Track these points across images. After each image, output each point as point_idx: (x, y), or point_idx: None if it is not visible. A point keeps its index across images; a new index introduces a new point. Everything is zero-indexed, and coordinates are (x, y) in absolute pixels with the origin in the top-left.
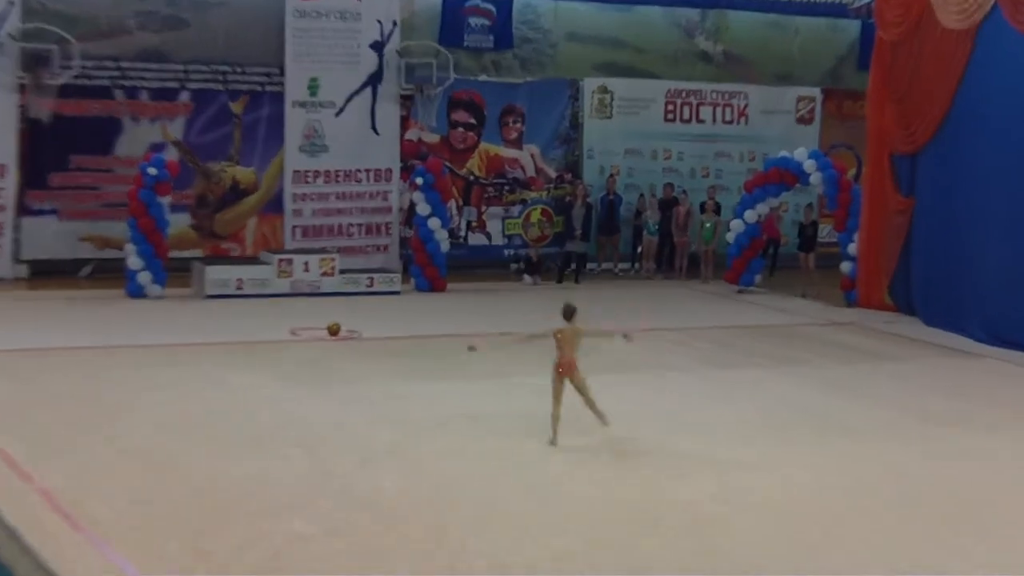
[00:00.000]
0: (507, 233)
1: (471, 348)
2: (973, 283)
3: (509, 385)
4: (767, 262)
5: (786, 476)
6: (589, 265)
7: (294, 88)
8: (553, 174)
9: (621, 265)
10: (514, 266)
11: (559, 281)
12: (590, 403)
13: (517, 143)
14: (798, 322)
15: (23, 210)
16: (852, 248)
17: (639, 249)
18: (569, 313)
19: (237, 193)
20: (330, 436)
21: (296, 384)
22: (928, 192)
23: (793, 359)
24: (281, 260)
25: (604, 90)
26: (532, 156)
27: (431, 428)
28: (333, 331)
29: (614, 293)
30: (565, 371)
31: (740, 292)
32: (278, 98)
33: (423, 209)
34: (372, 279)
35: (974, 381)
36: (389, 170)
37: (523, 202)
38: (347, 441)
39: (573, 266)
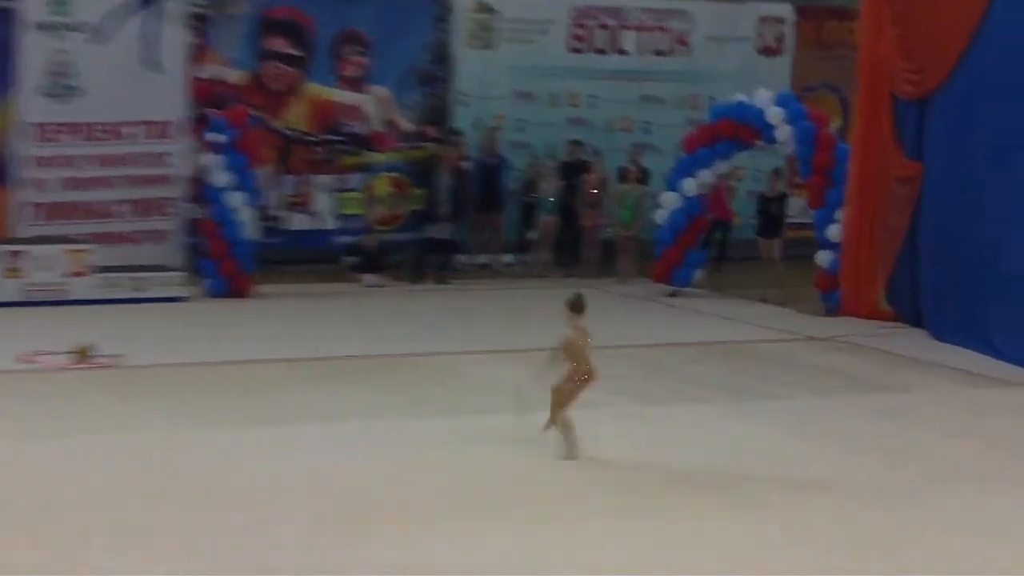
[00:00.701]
0: (343, 213)
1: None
2: (1004, 282)
3: (347, 434)
4: (713, 252)
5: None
6: (460, 257)
7: (33, 3)
8: (410, 128)
9: (505, 257)
10: (349, 260)
11: (415, 280)
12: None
13: (358, 84)
14: (756, 337)
15: None
16: (834, 232)
17: (531, 234)
18: (580, 305)
19: None
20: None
21: (25, 435)
22: (943, 154)
23: (748, 390)
24: (9, 254)
25: (483, 8)
26: (380, 102)
27: (223, 503)
28: (81, 356)
29: (493, 298)
30: (591, 379)
31: (674, 295)
32: (6, 17)
33: (221, 179)
34: (144, 280)
35: (1006, 420)
36: (170, 123)
37: (366, 168)
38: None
39: (436, 259)
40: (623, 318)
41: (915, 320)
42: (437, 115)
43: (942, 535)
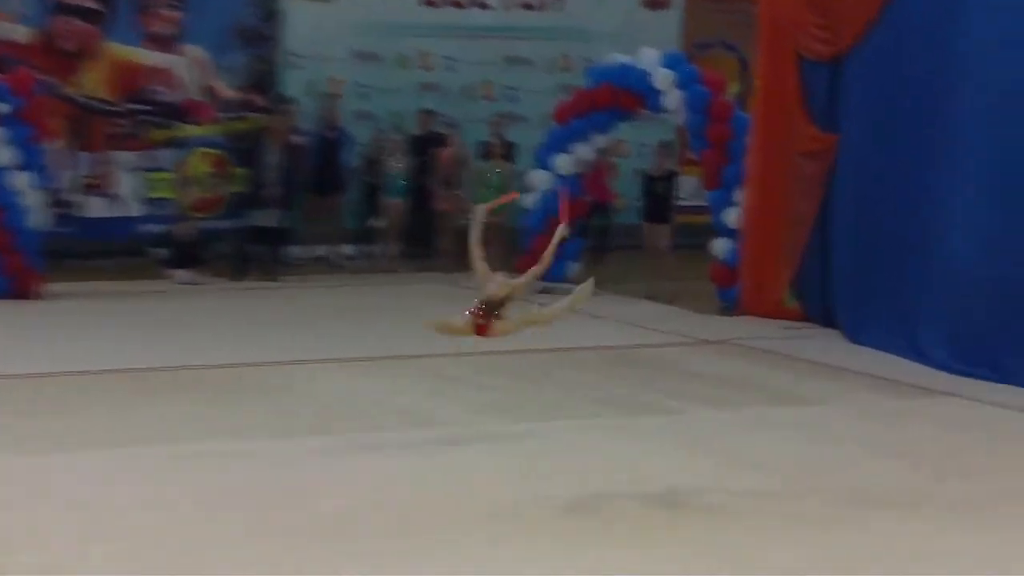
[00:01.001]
0: (150, 197)
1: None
2: (931, 275)
3: (142, 462)
4: (591, 241)
5: None
6: (291, 249)
7: None
8: (231, 96)
9: (346, 248)
10: (159, 253)
11: (238, 277)
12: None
13: (169, 43)
14: (642, 341)
15: None
16: (732, 217)
17: (376, 221)
18: None
19: None
20: None
21: None
22: (860, 125)
23: (634, 403)
24: None
25: None
26: (195, 65)
27: None
28: None
29: (331, 296)
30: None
31: (546, 291)
32: None
33: (2, 156)
34: None
35: (932, 435)
36: None
37: (178, 144)
38: None
39: (263, 252)
40: None
41: (826, 320)
42: (264, 80)
43: (860, 569)
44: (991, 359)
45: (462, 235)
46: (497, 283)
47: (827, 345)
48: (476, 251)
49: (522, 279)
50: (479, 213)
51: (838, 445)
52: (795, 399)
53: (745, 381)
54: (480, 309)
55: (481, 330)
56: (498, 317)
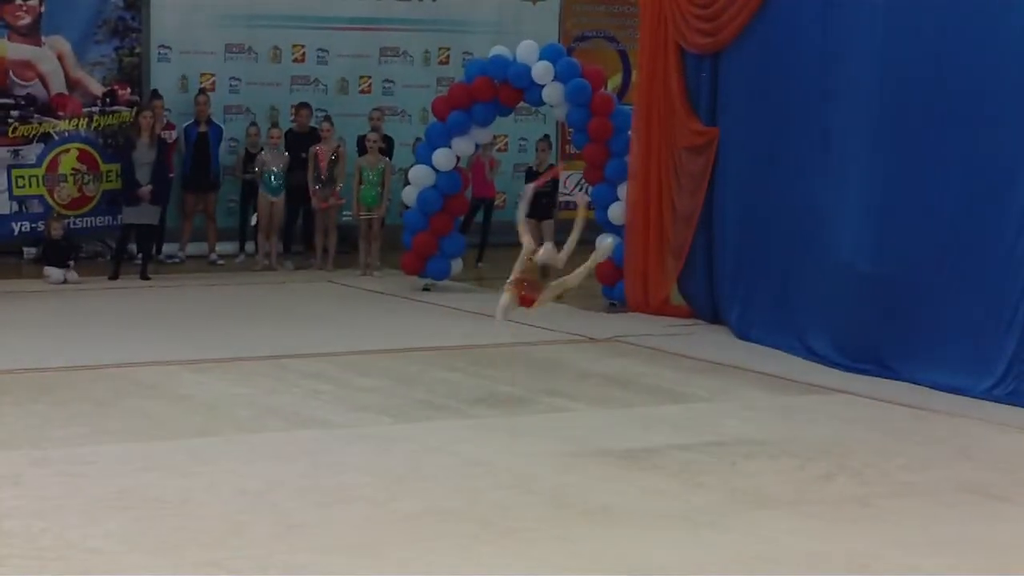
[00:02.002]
0: (16, 194)
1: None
2: (819, 273)
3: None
4: (474, 238)
5: None
6: (167, 248)
7: None
8: (99, 89)
9: (221, 247)
10: (29, 252)
11: (114, 276)
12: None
13: (32, 34)
14: (527, 339)
15: None
16: (616, 212)
17: (252, 219)
18: None
19: None
20: None
21: None
22: (743, 118)
23: (517, 402)
24: None
25: None
26: (59, 57)
27: None
28: None
29: (207, 296)
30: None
31: (427, 289)
32: None
33: None
34: None
35: (819, 432)
36: None
37: (44, 139)
38: None
39: (137, 252)
40: (367, 318)
41: (713, 317)
42: (132, 74)
43: (748, 568)
44: (877, 356)
45: (341, 232)
46: (547, 252)
47: (714, 342)
48: (522, 227)
49: (564, 251)
50: (527, 191)
51: (725, 443)
52: (682, 397)
53: (632, 379)
54: (524, 281)
55: (526, 301)
56: (539, 289)
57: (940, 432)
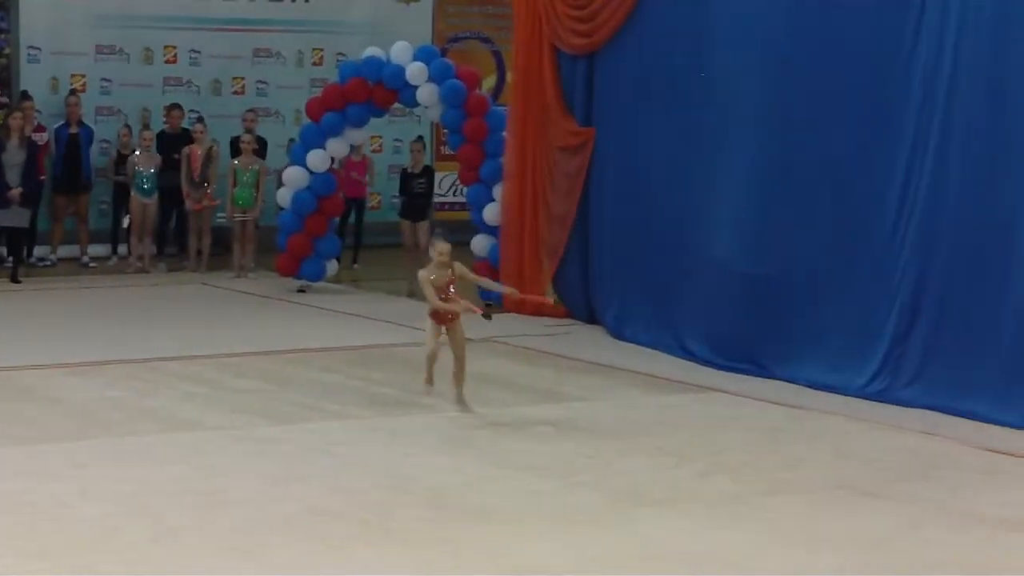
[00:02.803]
0: None
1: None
2: (692, 267)
3: None
4: (348, 240)
5: None
6: (38, 251)
7: None
8: None
9: (93, 249)
10: None
11: None
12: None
13: None
14: (402, 340)
15: None
16: (491, 213)
17: (124, 221)
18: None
19: None
20: None
21: None
22: (617, 118)
23: (393, 402)
24: None
25: None
26: None
27: None
28: None
29: (79, 299)
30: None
31: (302, 291)
32: None
33: None
34: None
35: (694, 430)
36: None
37: None
38: None
39: (8, 254)
40: (242, 320)
41: (589, 316)
42: (1, 75)
43: (626, 568)
44: (752, 355)
45: (215, 234)
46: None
47: (590, 342)
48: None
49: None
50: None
51: (603, 442)
52: (558, 396)
53: (508, 380)
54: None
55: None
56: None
57: (814, 430)
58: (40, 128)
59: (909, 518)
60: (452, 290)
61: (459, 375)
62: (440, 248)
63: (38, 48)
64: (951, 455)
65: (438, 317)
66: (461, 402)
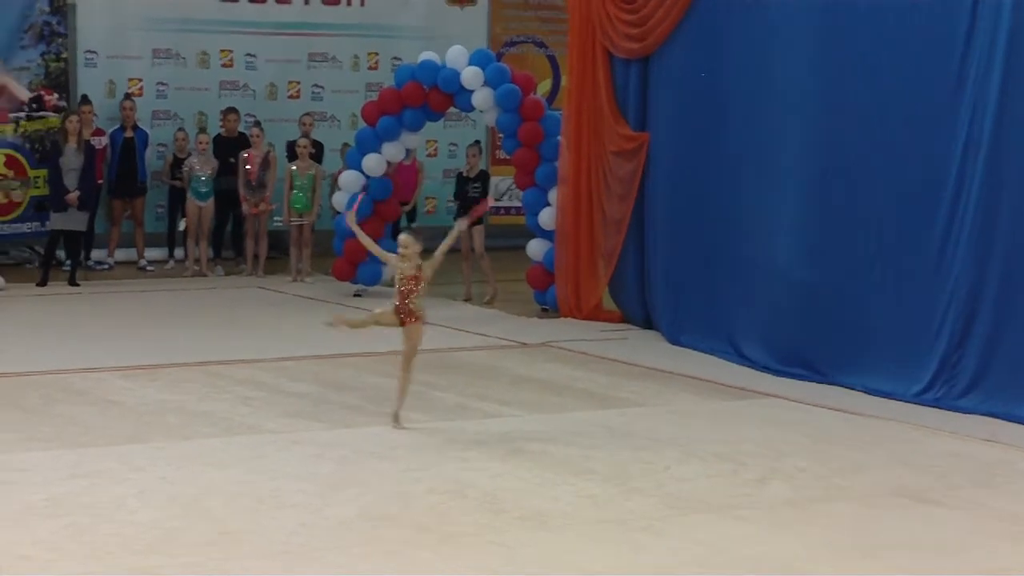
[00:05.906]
0: None
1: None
2: (746, 273)
3: None
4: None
5: None
6: (96, 254)
7: None
8: (25, 95)
9: (151, 253)
10: None
11: (42, 283)
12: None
13: None
14: (460, 344)
15: None
16: (547, 217)
17: (181, 224)
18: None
19: None
20: None
21: None
22: (671, 127)
23: (452, 407)
24: None
25: None
26: None
27: None
28: None
29: (136, 303)
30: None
31: (359, 295)
32: None
33: None
34: None
35: (751, 436)
36: None
37: None
38: None
39: (66, 258)
40: (298, 324)
41: (645, 321)
42: (59, 79)
43: (683, 573)
44: (807, 360)
45: (272, 238)
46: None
47: (646, 347)
48: (441, 258)
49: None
50: (460, 225)
51: (659, 448)
52: (615, 402)
53: (565, 385)
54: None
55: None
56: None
57: (872, 436)
58: (99, 132)
59: (969, 525)
60: (418, 287)
61: (402, 384)
62: (401, 240)
63: (95, 52)
64: (1011, 462)
65: (397, 309)
66: (396, 420)
